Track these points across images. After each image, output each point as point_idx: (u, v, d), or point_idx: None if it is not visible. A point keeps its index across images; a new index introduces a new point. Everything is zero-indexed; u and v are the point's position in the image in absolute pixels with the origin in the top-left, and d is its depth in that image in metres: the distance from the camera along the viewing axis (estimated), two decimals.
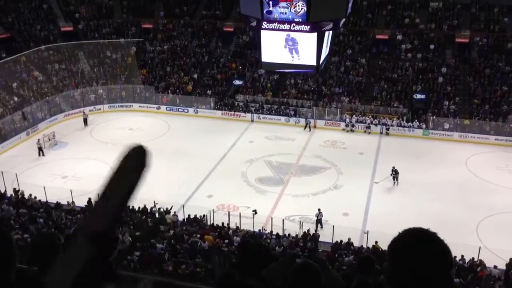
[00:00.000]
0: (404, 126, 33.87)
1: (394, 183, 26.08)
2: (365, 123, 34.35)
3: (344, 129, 34.47)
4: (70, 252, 1.59)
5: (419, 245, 1.69)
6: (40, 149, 27.88)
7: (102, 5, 45.54)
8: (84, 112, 35.41)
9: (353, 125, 34.42)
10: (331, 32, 22.94)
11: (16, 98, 35.05)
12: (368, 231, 20.08)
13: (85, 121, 34.65)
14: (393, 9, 41.47)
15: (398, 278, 1.69)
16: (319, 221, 21.88)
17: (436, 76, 36.46)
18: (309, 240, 20.14)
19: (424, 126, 33.74)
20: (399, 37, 39.36)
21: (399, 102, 35.59)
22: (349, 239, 19.83)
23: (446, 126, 33.54)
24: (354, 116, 35.01)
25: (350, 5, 21.76)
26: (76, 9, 44.43)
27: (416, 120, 33.99)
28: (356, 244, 19.96)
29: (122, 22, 44.57)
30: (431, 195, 24.94)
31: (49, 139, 31.28)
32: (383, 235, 15.92)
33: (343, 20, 22.59)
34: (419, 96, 35.62)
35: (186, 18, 44.39)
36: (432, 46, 38.27)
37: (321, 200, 24.91)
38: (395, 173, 26.00)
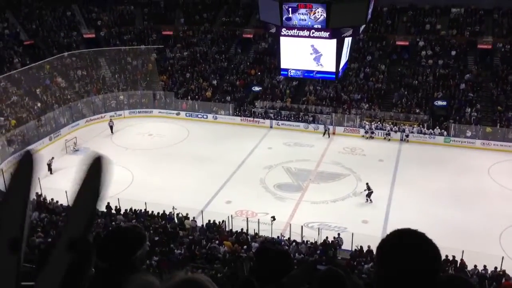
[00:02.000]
0: (425, 133, 33.48)
1: (367, 200, 25.02)
2: (385, 129, 34.06)
3: (363, 136, 34.23)
4: (51, 261, 1.64)
5: (406, 245, 1.68)
6: (49, 165, 28.06)
7: (124, 13, 46.24)
8: (110, 119, 35.71)
9: (372, 132, 34.15)
10: (350, 38, 22.82)
11: (39, 104, 35.70)
12: None
13: (111, 128, 34.94)
14: (413, 15, 41.15)
15: (385, 279, 1.69)
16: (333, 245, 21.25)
17: (458, 83, 36.00)
18: (328, 246, 20.01)
19: (445, 133, 33.30)
20: (421, 43, 39.01)
21: (420, 108, 35.22)
22: (369, 247, 19.64)
23: (468, 133, 33.01)
24: (373, 122, 34.75)
25: (370, 11, 21.65)
26: (99, 16, 45.21)
27: (437, 127, 33.57)
28: None
29: (143, 29, 45.16)
30: (453, 203, 24.57)
31: (71, 144, 31.78)
32: None
33: (363, 26, 22.45)
34: (440, 103, 35.19)
35: (206, 25, 44.74)
36: (453, 53, 37.83)
37: (340, 207, 24.77)
38: (368, 189, 24.92)
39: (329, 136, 34.29)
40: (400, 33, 40.22)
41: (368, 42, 39.89)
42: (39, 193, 24.08)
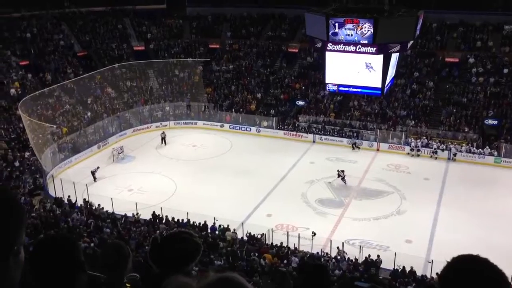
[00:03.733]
0: (474, 153, 32.36)
1: (344, 182, 28.35)
2: (432, 147, 33.16)
3: (408, 153, 33.46)
4: None
5: (470, 271, 1.64)
6: (93, 173, 28.95)
7: (173, 26, 47.47)
8: (163, 132, 36.23)
9: (418, 150, 33.31)
10: (398, 54, 22.45)
11: (89, 113, 36.95)
12: (432, 261, 19.16)
13: (163, 139, 35.51)
14: (464, 31, 40.15)
15: None
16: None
17: (510, 102, 34.72)
18: (370, 265, 19.59)
19: (496, 153, 32.08)
20: (471, 60, 37.95)
21: (469, 127, 34.14)
22: (411, 268, 19.09)
23: None
24: (419, 140, 33.91)
25: (419, 27, 21.26)
26: (148, 29, 46.60)
27: (487, 147, 32.39)
28: (420, 273, 19.16)
29: (191, 42, 46.17)
30: (502, 226, 23.56)
31: (118, 152, 32.67)
32: None
33: (411, 42, 22.06)
34: (491, 121, 34.00)
35: (252, 39, 45.24)
36: (505, 70, 36.58)
37: (383, 225, 24.25)
38: (339, 175, 28.25)
39: (355, 148, 33.93)
40: (449, 49, 39.32)
41: (416, 58, 39.18)
42: (86, 199, 24.85)
